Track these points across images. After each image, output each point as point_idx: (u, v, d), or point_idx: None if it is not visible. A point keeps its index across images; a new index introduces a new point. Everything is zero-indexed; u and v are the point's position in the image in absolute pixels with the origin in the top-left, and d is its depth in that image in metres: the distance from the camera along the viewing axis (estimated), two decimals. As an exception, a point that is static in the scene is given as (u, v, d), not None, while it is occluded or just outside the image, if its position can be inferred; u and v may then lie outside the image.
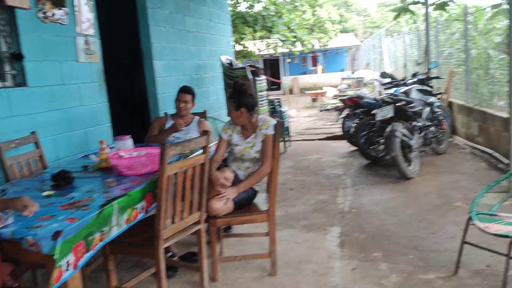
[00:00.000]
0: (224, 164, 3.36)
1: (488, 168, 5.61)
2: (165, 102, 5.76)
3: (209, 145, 2.92)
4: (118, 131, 5.79)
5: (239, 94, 3.18)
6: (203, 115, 4.40)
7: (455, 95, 8.14)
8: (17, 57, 3.56)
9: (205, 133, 2.86)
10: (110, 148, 3.40)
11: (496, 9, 6.75)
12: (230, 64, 6.94)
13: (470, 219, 2.88)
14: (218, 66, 7.51)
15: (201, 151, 2.88)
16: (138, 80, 6.66)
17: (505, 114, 5.62)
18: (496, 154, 5.88)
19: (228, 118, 3.36)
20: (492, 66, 6.92)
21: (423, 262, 3.21)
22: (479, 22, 7.84)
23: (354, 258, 3.35)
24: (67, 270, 1.88)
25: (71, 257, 1.90)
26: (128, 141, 3.27)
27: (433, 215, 4.13)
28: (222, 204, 3.02)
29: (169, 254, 3.37)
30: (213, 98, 7.64)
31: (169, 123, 4.00)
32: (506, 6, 4.76)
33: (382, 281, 2.98)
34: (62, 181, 2.59)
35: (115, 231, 2.25)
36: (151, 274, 3.11)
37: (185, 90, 3.97)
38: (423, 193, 4.80)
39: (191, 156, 2.94)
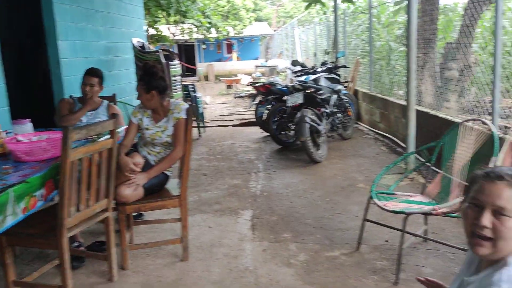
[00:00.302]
0: (134, 149, 3.26)
1: (388, 152, 6.04)
2: (71, 85, 5.42)
3: (118, 130, 2.81)
4: (18, 115, 5.37)
5: (150, 76, 3.09)
6: (112, 99, 4.21)
7: (360, 84, 8.62)
8: None
9: (113, 116, 2.74)
10: (7, 133, 3.13)
11: (399, 6, 7.24)
12: (142, 47, 6.71)
13: (370, 198, 3.09)
14: (130, 49, 7.22)
15: (108, 135, 2.76)
16: (41, 61, 6.20)
17: (403, 102, 6.07)
18: (395, 139, 6.35)
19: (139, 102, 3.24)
20: (393, 57, 7.43)
21: (329, 240, 3.39)
22: (382, 15, 8.36)
23: (265, 240, 3.45)
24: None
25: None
26: (27, 125, 3.04)
27: (339, 196, 4.37)
28: (131, 190, 2.92)
29: (75, 244, 3.21)
30: (124, 82, 7.34)
31: (77, 105, 3.80)
32: (406, 3, 5.11)
33: (291, 261, 3.09)
34: None
35: (10, 221, 2.09)
36: (55, 266, 2.95)
37: (91, 73, 3.77)
38: (330, 176, 5.05)
39: (98, 141, 2.81)
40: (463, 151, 3.11)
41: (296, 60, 7.74)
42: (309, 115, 5.58)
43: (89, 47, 6.12)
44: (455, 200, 2.79)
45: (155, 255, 3.25)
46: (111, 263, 2.88)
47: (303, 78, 6.76)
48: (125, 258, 3.04)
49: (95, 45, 6.32)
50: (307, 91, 5.88)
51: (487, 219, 1.19)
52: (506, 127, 4.14)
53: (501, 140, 2.90)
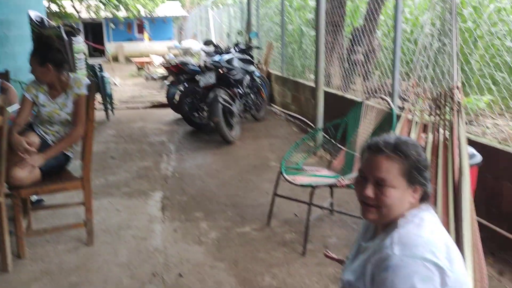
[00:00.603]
0: (29, 128, 2.98)
1: (299, 132, 6.21)
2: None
3: (11, 108, 2.55)
4: None
5: (44, 48, 2.84)
6: (4, 76, 3.82)
7: (273, 66, 8.75)
8: None
9: (2, 91, 2.48)
10: None
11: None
12: (41, 22, 6.19)
13: (280, 173, 3.14)
14: (26, 23, 6.63)
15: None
16: None
17: (314, 84, 6.25)
18: (306, 120, 6.54)
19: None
20: (304, 41, 7.61)
21: (240, 217, 3.41)
22: (294, -1, 8.50)
23: (176, 220, 3.38)
24: None
25: None
26: None
27: (251, 175, 4.40)
28: (26, 172, 2.68)
29: None
30: (22, 61, 6.73)
31: None
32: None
33: (202, 238, 3.07)
34: None
35: None
36: None
37: None
38: (243, 156, 5.08)
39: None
40: (365, 127, 3.27)
41: (210, 40, 7.63)
42: (222, 95, 5.54)
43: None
44: (355, 173, 2.92)
45: (57, 241, 3.05)
46: (5, 251, 2.64)
47: (217, 58, 6.69)
48: (21, 246, 2.81)
49: (-16, 18, 5.72)
50: (220, 71, 5.82)
51: (369, 190, 1.25)
52: (402, 107, 4.43)
53: (399, 118, 3.08)
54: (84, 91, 2.89)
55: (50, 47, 2.85)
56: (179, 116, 7.20)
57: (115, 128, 6.66)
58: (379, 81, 5.46)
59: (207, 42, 7.65)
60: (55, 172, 2.92)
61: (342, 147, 3.41)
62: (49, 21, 6.59)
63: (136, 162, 4.89)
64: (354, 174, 2.92)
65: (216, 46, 7.59)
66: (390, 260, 1.07)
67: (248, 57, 6.86)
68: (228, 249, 2.91)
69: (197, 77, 5.84)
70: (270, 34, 9.20)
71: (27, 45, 6.87)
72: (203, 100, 6.03)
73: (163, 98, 9.24)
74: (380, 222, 1.27)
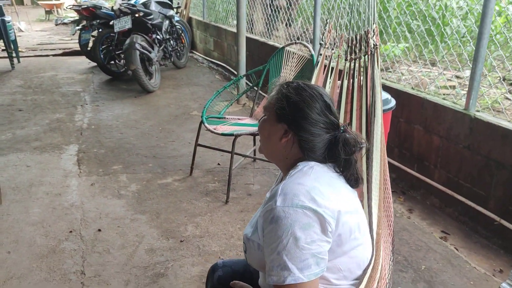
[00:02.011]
0: None
1: (222, 80, 6.11)
2: None
3: None
4: None
5: None
6: None
7: (194, 11, 8.40)
8: None
9: None
10: None
11: None
12: None
13: (202, 123, 3.07)
14: None
15: None
16: None
17: (236, 30, 6.11)
18: (229, 67, 6.43)
19: None
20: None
21: (162, 168, 3.32)
22: None
23: (93, 174, 3.22)
24: None
25: None
26: None
27: (172, 125, 4.28)
28: None
29: None
30: None
31: None
32: None
33: (122, 192, 2.96)
34: None
35: None
36: None
37: None
38: (164, 105, 4.91)
39: None
40: (287, 74, 3.25)
41: (124, -19, 7.09)
42: (139, 41, 5.23)
43: None
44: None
45: (-42, 202, 2.79)
46: None
47: (132, 1, 6.26)
48: None
49: None
50: (136, 15, 5.47)
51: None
52: (321, 45, 4.47)
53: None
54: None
55: None
56: (94, 64, 6.78)
57: (21, 78, 6.11)
58: (302, 27, 5.45)
59: (122, -16, 7.11)
60: None
61: (264, 94, 3.39)
62: None
63: (47, 114, 4.55)
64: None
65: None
66: (273, 211, 1.06)
67: (167, 1, 6.50)
68: (149, 201, 2.84)
69: (112, 22, 5.44)
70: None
71: None
72: (119, 47, 5.68)
73: (75, 45, 8.61)
74: (270, 159, 1.29)
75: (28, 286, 2.08)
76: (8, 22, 6.72)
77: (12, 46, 6.69)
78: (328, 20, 2.22)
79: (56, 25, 12.25)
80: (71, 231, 2.50)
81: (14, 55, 6.79)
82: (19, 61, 7.02)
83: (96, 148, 3.68)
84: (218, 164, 3.41)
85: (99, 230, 2.51)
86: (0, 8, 6.72)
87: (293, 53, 3.31)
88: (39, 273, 2.16)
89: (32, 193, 2.92)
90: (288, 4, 5.87)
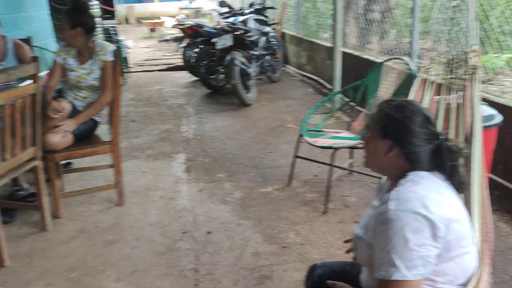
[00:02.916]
0: (59, 94, 3.09)
1: (315, 93, 6.24)
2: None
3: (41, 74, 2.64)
4: None
5: (78, 12, 2.89)
6: (27, 42, 3.87)
7: (287, 26, 8.66)
8: None
9: (34, 59, 2.56)
10: None
11: None
12: (55, -15, 6.17)
13: (301, 136, 3.23)
14: (41, -13, 6.61)
15: (30, 80, 2.59)
16: None
17: (329, 44, 6.22)
18: (321, 81, 6.55)
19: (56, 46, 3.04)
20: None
21: (262, 178, 3.53)
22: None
23: (200, 181, 3.51)
24: None
25: None
26: None
27: (269, 136, 4.50)
28: (59, 137, 2.81)
29: (16, 188, 3.11)
30: (37, 25, 6.78)
31: None
32: None
33: (227, 198, 3.20)
34: None
35: None
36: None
37: None
38: (261, 118, 5.16)
39: (17, 86, 2.64)
40: (385, 89, 3.31)
41: (224, 1, 7.55)
42: (239, 57, 5.56)
43: (-6, -15, 5.54)
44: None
45: (89, 202, 3.21)
46: (44, 212, 2.80)
47: (231, 20, 6.66)
48: (57, 207, 2.98)
49: (1, -18, 5.72)
50: (236, 33, 5.82)
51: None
52: (419, 66, 4.42)
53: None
54: (110, 57, 2.97)
55: (83, 12, 2.90)
56: (195, 78, 7.28)
57: (133, 91, 6.75)
58: (396, 40, 5.42)
59: (222, 4, 7.58)
60: (85, 137, 3.04)
61: (362, 109, 3.47)
62: (64, -16, 6.56)
63: (157, 125, 5.01)
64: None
65: (230, 7, 7.53)
66: (386, 214, 1.17)
67: (263, 18, 6.81)
68: (252, 208, 3.05)
69: (214, 40, 5.84)
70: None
71: (43, 9, 6.89)
72: (219, 62, 6.06)
73: (177, 60, 9.27)
74: (377, 171, 1.41)
75: (150, 279, 2.37)
76: (121, 42, 7.47)
77: (123, 62, 7.42)
78: (427, 38, 2.27)
79: (159, 41, 13.24)
80: (184, 232, 2.77)
81: (125, 70, 7.52)
82: (129, 76, 7.75)
83: (202, 157, 4.00)
84: (315, 175, 3.54)
85: (209, 232, 2.76)
86: (115, 29, 7.50)
87: (392, 67, 3.35)
88: (159, 268, 2.44)
89: (149, 197, 3.27)
90: (382, 17, 5.86)
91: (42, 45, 6.45)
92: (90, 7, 3.05)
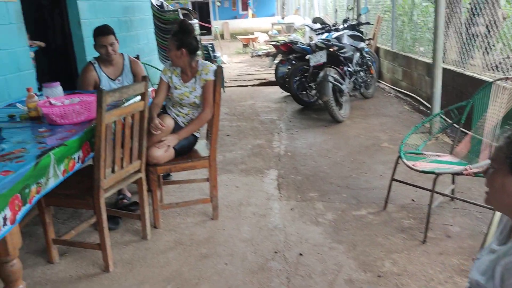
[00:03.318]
0: (163, 110, 3.28)
1: (411, 111, 5.97)
2: (91, 46, 5.41)
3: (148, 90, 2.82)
4: (42, 78, 5.41)
5: (184, 33, 3.05)
6: (137, 59, 4.17)
7: (382, 41, 8.43)
8: None
9: (143, 78, 2.74)
10: (38, 95, 3.17)
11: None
12: (161, 6, 6.62)
13: (399, 158, 3.09)
14: (148, 8, 7.13)
15: (139, 97, 2.78)
16: (60, 22, 6.17)
17: (427, 60, 5.94)
18: (418, 98, 6.26)
19: (160, 64, 3.23)
20: (415, 13, 7.21)
21: (356, 199, 3.43)
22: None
23: (292, 199, 3.50)
24: (4, 225, 1.78)
25: (7, 212, 1.80)
26: (57, 88, 3.06)
27: (363, 155, 4.37)
28: (162, 152, 2.97)
29: (120, 196, 3.36)
30: (144, 43, 7.29)
31: (102, 75, 3.55)
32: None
33: (319, 219, 3.15)
34: (-12, 132, 2.39)
35: (51, 183, 2.15)
36: (90, 225, 3.06)
37: (105, 32, 3.46)
38: (353, 135, 5.04)
39: (127, 103, 2.84)
40: (495, 111, 3.06)
41: (318, 17, 7.56)
42: (332, 74, 5.51)
43: (108, 7, 6.06)
44: (486, 161, 2.77)
45: (186, 214, 3.34)
46: (145, 221, 2.97)
47: (324, 36, 6.63)
48: (157, 217, 3.14)
49: (113, 5, 6.25)
50: (330, 49, 5.78)
51: None
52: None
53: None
54: (211, 77, 3.09)
55: (188, 34, 3.06)
56: (286, 94, 7.34)
57: (227, 106, 6.97)
58: (502, 54, 5.02)
59: (316, 20, 7.60)
60: (185, 151, 3.18)
61: (466, 131, 3.24)
62: (168, 5, 7.02)
63: (249, 140, 5.11)
64: (483, 162, 2.77)
65: (323, 23, 7.51)
66: None
67: (358, 33, 6.69)
68: (345, 231, 2.97)
69: (308, 57, 5.85)
70: (378, 7, 8.84)
71: (148, 29, 7.41)
72: (312, 78, 6.06)
73: (269, 75, 9.43)
74: (501, 211, 1.26)
75: (242, 296, 2.39)
76: (218, 58, 7.77)
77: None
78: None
79: (252, 57, 13.59)
80: (276, 252, 2.77)
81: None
82: (224, 91, 8.02)
83: (293, 175, 3.99)
84: (413, 200, 3.36)
85: (301, 254, 2.72)
86: (212, 46, 7.83)
87: (504, 87, 3.09)
88: (251, 287, 2.45)
89: (242, 212, 3.32)
90: (487, 30, 5.47)
91: (146, 61, 6.92)
92: (195, 29, 3.20)
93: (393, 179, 3.19)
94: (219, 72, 3.08)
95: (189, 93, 3.14)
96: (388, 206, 3.26)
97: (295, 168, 4.15)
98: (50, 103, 2.76)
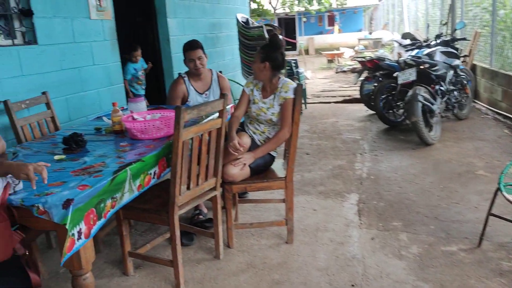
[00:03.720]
0: (241, 128, 3.23)
1: (512, 135, 5.41)
2: (179, 62, 5.58)
3: (227, 107, 2.78)
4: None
5: (271, 47, 3.01)
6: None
7: (479, 58, 7.81)
8: (26, 13, 3.41)
9: (222, 96, 2.71)
10: (123, 110, 3.29)
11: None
12: (246, 22, 6.69)
13: (498, 190, 2.74)
14: (234, 25, 7.26)
15: (217, 114, 2.75)
16: (151, 39, 6.46)
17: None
18: (521, 121, 5.66)
19: (243, 80, 3.20)
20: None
21: (445, 233, 3.11)
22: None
23: (373, 227, 3.26)
24: (79, 239, 1.80)
25: (82, 226, 1.82)
26: (141, 103, 3.15)
27: (455, 183, 3.99)
28: (238, 170, 2.91)
29: (196, 212, 3.37)
30: (228, 58, 7.44)
31: (190, 88, 3.67)
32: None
33: (403, 252, 2.89)
34: (74, 144, 2.49)
35: (126, 198, 2.17)
36: (166, 239, 3.07)
37: (194, 46, 3.57)
38: (444, 160, 4.64)
39: (206, 120, 2.83)
40: None
41: (408, 32, 7.21)
42: (422, 93, 5.16)
43: (195, 24, 6.25)
44: None
45: (260, 235, 3.24)
46: (218, 240, 2.91)
47: (415, 52, 6.27)
48: (230, 237, 3.07)
49: (201, 22, 6.44)
50: (420, 67, 5.43)
51: None
52: None
53: None
54: (290, 95, 2.98)
55: (275, 48, 3.00)
56: (371, 112, 7.05)
57: (308, 123, 6.83)
58: None
59: (405, 35, 7.25)
60: (261, 170, 3.09)
61: None
62: (253, 21, 7.09)
63: (330, 160, 4.92)
64: None
65: (413, 39, 7.13)
66: None
67: (452, 50, 6.23)
68: (432, 268, 2.68)
69: (396, 74, 5.55)
70: (475, 22, 8.22)
71: (234, 45, 7.54)
72: (400, 97, 5.73)
73: (353, 92, 9.16)
74: None
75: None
76: (301, 74, 7.68)
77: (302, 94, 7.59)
78: None
79: (336, 72, 13.35)
80: (352, 285, 2.56)
81: (303, 102, 7.69)
82: (306, 107, 7.90)
83: (376, 200, 3.74)
84: (513, 238, 2.97)
85: (381, 290, 2.50)
86: (296, 61, 7.76)
87: None
88: (324, 321, 2.27)
89: (318, 238, 3.15)
90: None
91: (230, 76, 7.03)
92: (283, 46, 3.13)
93: (490, 214, 2.84)
94: (299, 90, 2.97)
95: (266, 110, 3.06)
96: (483, 243, 2.90)
97: (378, 193, 3.89)
98: (133, 118, 2.83)
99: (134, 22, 6.65)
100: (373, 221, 3.36)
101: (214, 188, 2.85)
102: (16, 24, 3.41)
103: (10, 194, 1.80)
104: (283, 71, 6.31)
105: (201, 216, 3.43)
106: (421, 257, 2.82)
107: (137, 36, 6.74)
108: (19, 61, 3.31)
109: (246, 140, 3.00)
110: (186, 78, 3.70)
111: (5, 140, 3.11)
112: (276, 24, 22.88)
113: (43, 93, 3.33)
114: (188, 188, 2.60)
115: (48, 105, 3.35)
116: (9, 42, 3.34)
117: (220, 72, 4.29)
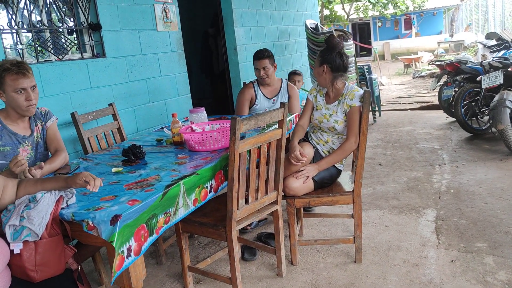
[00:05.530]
0: (304, 138, 3.05)
1: None
2: (247, 70, 5.55)
3: (287, 118, 2.63)
4: (198, 101, 5.73)
5: (328, 50, 2.83)
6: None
7: None
8: (95, 28, 3.51)
9: (282, 105, 2.56)
10: (185, 120, 3.26)
11: None
12: (315, 28, 6.51)
13: None
14: (303, 31, 7.12)
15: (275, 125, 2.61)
16: (218, 48, 6.51)
17: None
18: None
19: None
20: None
21: (540, 257, 2.70)
22: None
23: (453, 248, 2.92)
24: (128, 256, 1.73)
25: (132, 243, 1.75)
26: (202, 114, 3.09)
27: (551, 200, 3.51)
28: (300, 183, 2.74)
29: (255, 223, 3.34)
30: (297, 66, 7.29)
31: (259, 92, 3.84)
32: None
33: (488, 278, 2.54)
34: (132, 156, 2.47)
35: (181, 213, 2.08)
36: (227, 253, 2.97)
37: (260, 56, 3.73)
38: (538, 173, 4.13)
39: (267, 130, 2.69)
40: None
41: (494, 32, 6.60)
42: (510, 98, 4.65)
43: (263, 32, 6.18)
44: None
45: (326, 252, 3.03)
46: (280, 257, 2.76)
47: (501, 53, 5.72)
48: (294, 253, 2.90)
49: (268, 30, 6.36)
50: (508, 69, 4.92)
51: None
52: None
53: None
54: (356, 103, 2.76)
55: (333, 50, 2.82)
56: (451, 119, 6.55)
57: (382, 131, 6.47)
58: None
59: (490, 35, 6.64)
60: (326, 184, 2.89)
61: None
62: (322, 27, 6.89)
63: (405, 171, 4.57)
64: None
65: (499, 39, 6.52)
66: None
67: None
68: (525, 299, 2.32)
69: (480, 78, 5.07)
70: None
71: (302, 52, 7.39)
72: (484, 103, 5.24)
73: (431, 98, 8.61)
74: None
75: None
76: (374, 80, 7.33)
77: (375, 101, 7.24)
78: None
79: (414, 78, 12.69)
80: (429, 314, 2.28)
81: (376, 109, 7.33)
82: (380, 115, 7.52)
83: (456, 217, 3.37)
84: None
85: (462, 322, 2.19)
86: (368, 67, 7.43)
87: None
88: None
89: (390, 257, 2.88)
90: None
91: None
92: (344, 47, 2.95)
93: None
94: (366, 97, 2.73)
95: (328, 116, 2.86)
96: None
97: (459, 210, 3.51)
98: (192, 129, 2.77)
99: (206, 33, 6.75)
100: (453, 241, 3.02)
101: (275, 202, 2.71)
102: (86, 38, 3.52)
103: (62, 208, 1.78)
104: (351, 75, 6.04)
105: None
106: (510, 285, 2.45)
107: (209, 47, 6.84)
108: (87, 74, 3.41)
109: (308, 150, 2.82)
110: (256, 84, 3.89)
111: (74, 151, 3.21)
112: (349, 30, 22.41)
113: (110, 104, 3.40)
114: (246, 202, 2.48)
115: (114, 116, 3.41)
116: (79, 56, 3.45)
117: (287, 79, 4.21)
